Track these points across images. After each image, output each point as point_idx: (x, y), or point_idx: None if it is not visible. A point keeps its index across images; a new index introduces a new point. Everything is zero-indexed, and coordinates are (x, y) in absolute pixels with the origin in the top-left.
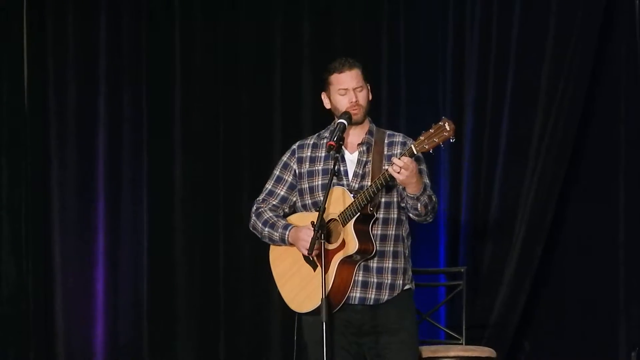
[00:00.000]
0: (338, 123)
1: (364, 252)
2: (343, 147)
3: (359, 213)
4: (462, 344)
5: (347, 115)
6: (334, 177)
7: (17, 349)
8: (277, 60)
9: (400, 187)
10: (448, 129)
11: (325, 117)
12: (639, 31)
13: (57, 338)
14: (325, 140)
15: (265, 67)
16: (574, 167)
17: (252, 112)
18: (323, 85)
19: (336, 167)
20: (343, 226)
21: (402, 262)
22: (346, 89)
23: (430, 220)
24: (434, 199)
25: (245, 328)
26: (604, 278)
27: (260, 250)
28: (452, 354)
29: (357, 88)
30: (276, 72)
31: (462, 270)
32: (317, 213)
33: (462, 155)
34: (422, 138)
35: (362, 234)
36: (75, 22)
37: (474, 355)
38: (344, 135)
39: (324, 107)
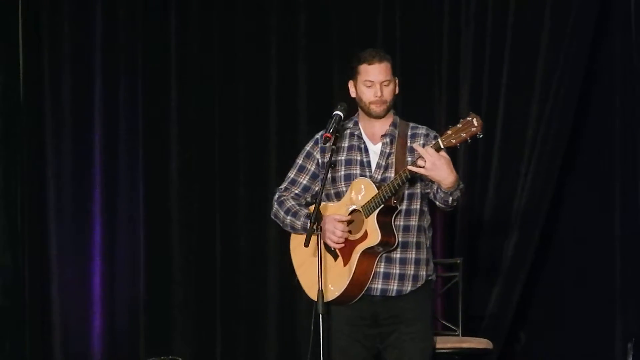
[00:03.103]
0: (334, 115)
1: (386, 244)
2: (367, 137)
3: (382, 205)
4: (458, 335)
5: (342, 107)
6: (357, 168)
7: (13, 342)
8: (273, 52)
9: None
10: (476, 124)
11: (322, 108)
12: (634, 23)
13: (53, 330)
14: (348, 131)
15: (261, 59)
16: (569, 159)
17: (247, 104)
18: (351, 72)
19: (332, 159)
20: (366, 217)
21: (425, 253)
22: (372, 82)
23: (453, 209)
24: (463, 191)
25: (242, 320)
26: (600, 270)
27: (256, 242)
28: (448, 345)
29: (384, 82)
30: (272, 63)
31: (458, 261)
32: (339, 203)
33: (458, 146)
34: (449, 132)
35: (385, 225)
36: (71, 14)
37: (470, 347)
38: (367, 125)
39: (319, 99)
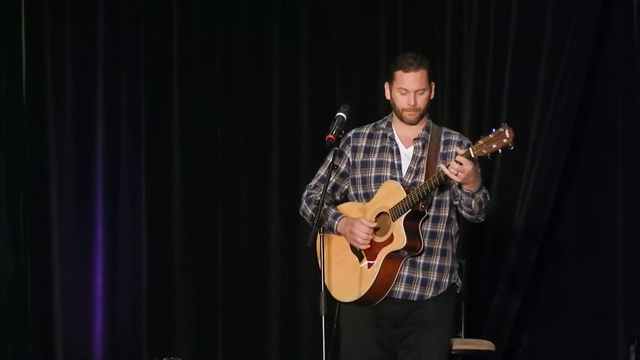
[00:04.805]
0: (337, 116)
1: (412, 248)
2: (399, 140)
3: (410, 209)
4: (461, 337)
5: (346, 108)
6: (388, 170)
7: (15, 343)
8: (275, 54)
9: (454, 185)
10: (508, 136)
11: (324, 110)
12: (637, 26)
13: (55, 332)
14: (381, 132)
15: (263, 61)
16: (572, 161)
17: (249, 107)
18: (387, 75)
19: (336, 162)
20: (393, 221)
21: (450, 261)
22: (407, 90)
23: (482, 220)
24: (488, 198)
25: (243, 323)
26: (603, 271)
27: (258, 244)
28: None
29: (418, 90)
30: (274, 65)
31: (461, 263)
32: (367, 204)
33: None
34: (480, 142)
35: (411, 230)
36: (73, 17)
37: (472, 349)
38: (400, 128)
39: (321, 101)
